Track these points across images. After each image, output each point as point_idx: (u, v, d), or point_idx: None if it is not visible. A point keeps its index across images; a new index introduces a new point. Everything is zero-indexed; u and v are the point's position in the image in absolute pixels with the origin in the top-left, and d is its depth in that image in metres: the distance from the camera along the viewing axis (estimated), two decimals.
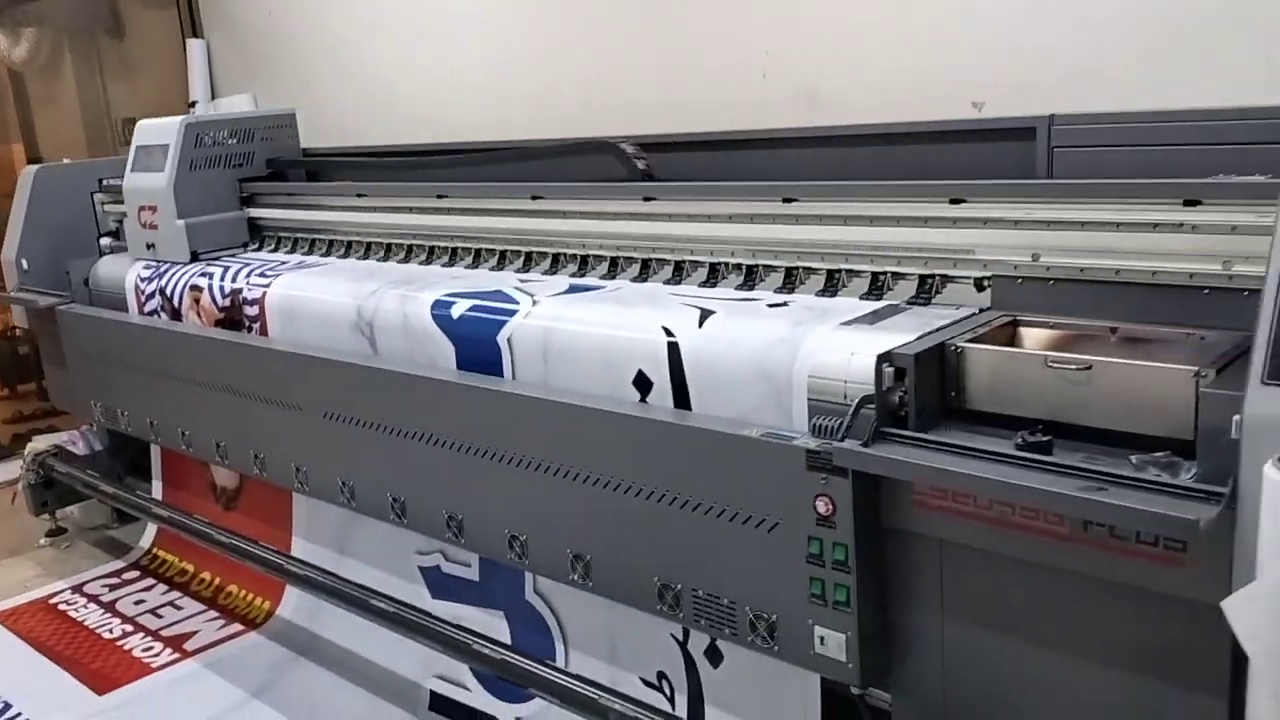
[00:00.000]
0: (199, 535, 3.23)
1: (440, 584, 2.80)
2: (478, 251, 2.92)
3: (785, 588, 1.83)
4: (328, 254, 3.38)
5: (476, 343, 2.40)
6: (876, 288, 2.11)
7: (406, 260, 3.11)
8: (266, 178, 3.71)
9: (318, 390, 2.72)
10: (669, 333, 2.06)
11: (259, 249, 3.63)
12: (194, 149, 3.55)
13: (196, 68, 5.33)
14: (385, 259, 3.17)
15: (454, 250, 2.98)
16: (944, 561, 1.73)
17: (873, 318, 1.95)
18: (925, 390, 1.72)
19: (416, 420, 2.45)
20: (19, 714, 2.86)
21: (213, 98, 5.36)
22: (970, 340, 1.76)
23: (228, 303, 3.10)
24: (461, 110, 4.26)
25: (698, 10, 3.47)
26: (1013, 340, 1.86)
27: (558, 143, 3.01)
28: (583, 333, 2.21)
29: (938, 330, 1.82)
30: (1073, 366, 1.62)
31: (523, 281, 2.61)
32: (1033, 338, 1.85)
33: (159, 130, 3.64)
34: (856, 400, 1.70)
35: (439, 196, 3.01)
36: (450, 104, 4.34)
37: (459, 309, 2.46)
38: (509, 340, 2.33)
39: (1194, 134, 1.86)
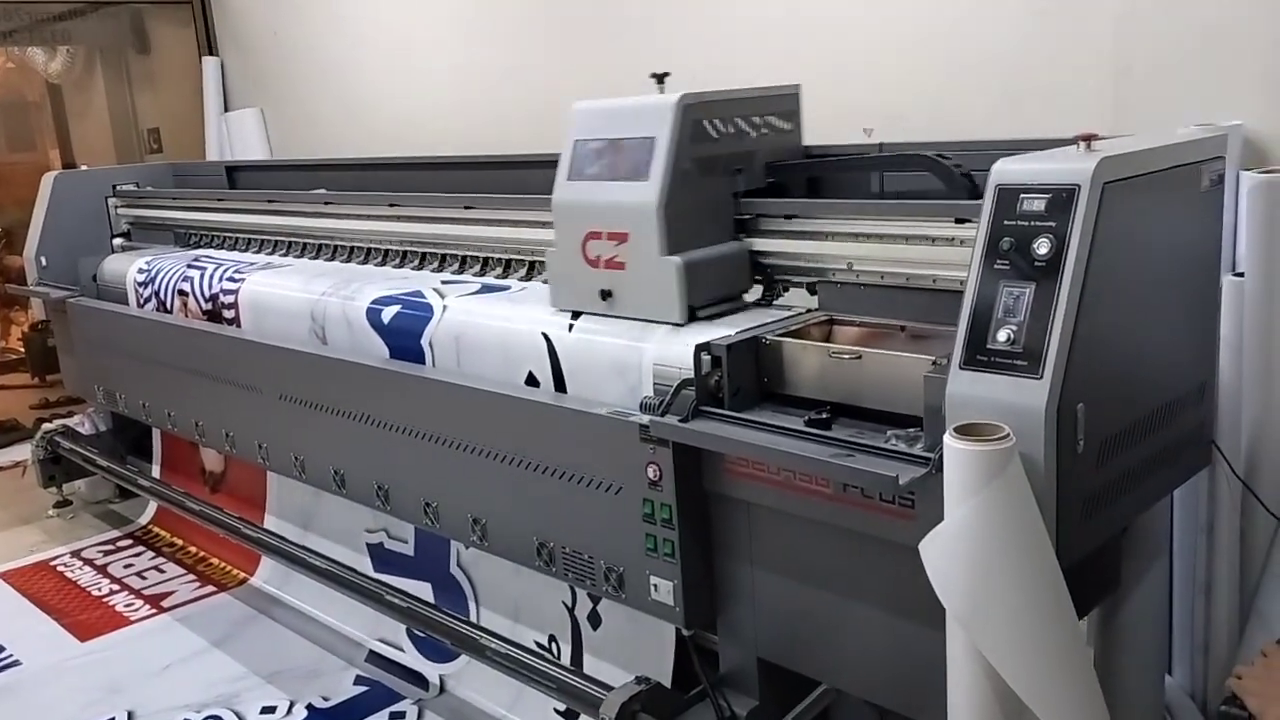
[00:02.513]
0: (176, 504, 3.61)
1: (383, 558, 3.16)
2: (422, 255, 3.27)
3: (628, 543, 2.16)
4: None
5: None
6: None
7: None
8: (765, 191, 2.41)
9: (274, 375, 3.08)
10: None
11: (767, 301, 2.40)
12: (691, 144, 2.26)
13: (211, 83, 5.76)
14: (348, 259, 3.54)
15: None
16: (750, 520, 2.04)
17: (715, 315, 2.27)
18: (740, 376, 2.03)
19: (352, 402, 2.80)
20: (10, 655, 3.25)
21: (225, 111, 5.79)
22: (781, 335, 2.07)
23: (209, 306, 3.48)
24: (442, 124, 4.64)
25: (626, 39, 3.80)
26: (828, 336, 2.17)
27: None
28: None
29: (760, 326, 2.14)
30: (847, 356, 1.93)
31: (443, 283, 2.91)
32: (841, 334, 2.16)
33: (630, 114, 2.32)
34: (676, 383, 2.03)
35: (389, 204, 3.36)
36: (432, 118, 4.72)
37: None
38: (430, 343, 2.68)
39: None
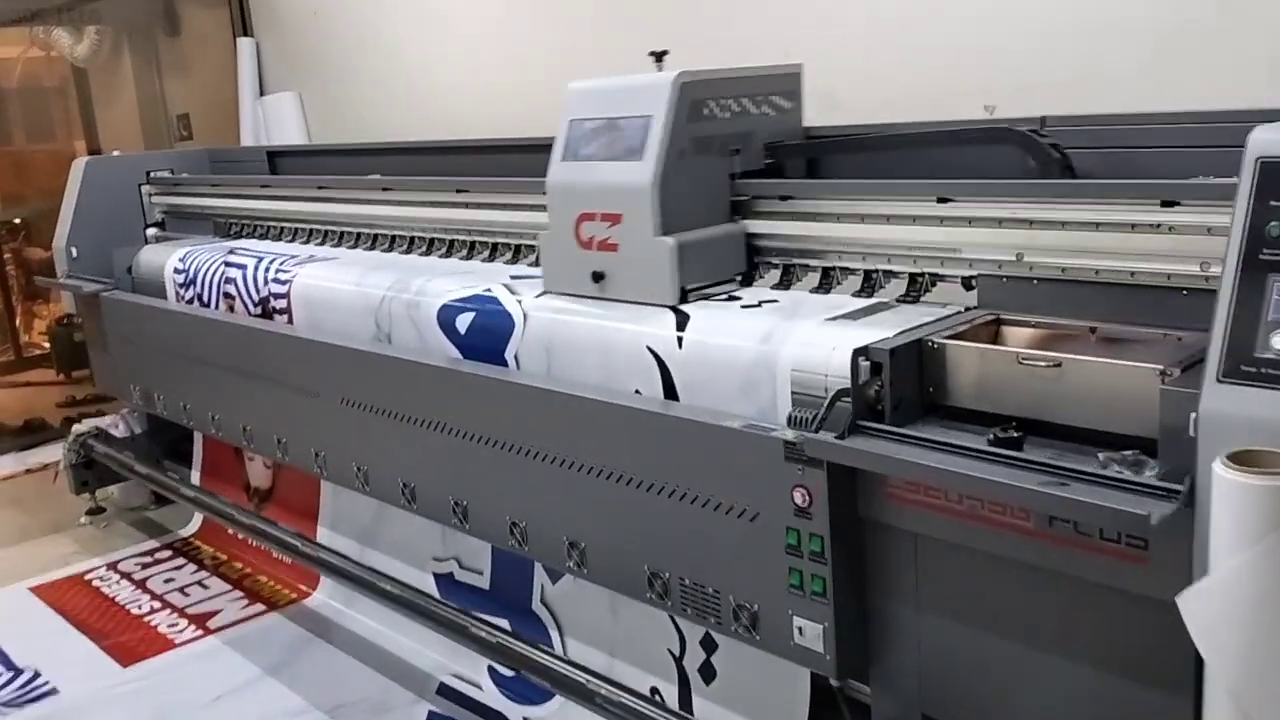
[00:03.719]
0: (225, 517, 3.34)
1: (452, 591, 2.86)
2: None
3: (766, 578, 1.87)
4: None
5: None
6: (869, 285, 2.13)
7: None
8: (764, 172, 2.36)
9: (335, 377, 2.80)
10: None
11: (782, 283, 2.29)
12: (687, 124, 2.21)
13: (246, 66, 5.48)
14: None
15: None
16: (919, 554, 1.75)
17: (858, 314, 1.98)
18: (902, 385, 1.74)
19: (426, 408, 2.52)
20: (46, 682, 2.98)
21: (260, 95, 5.51)
22: (948, 337, 1.78)
23: (259, 310, 3.21)
24: (490, 108, 4.35)
25: (716, 12, 3.51)
26: (995, 338, 1.87)
27: None
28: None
29: (919, 327, 1.84)
30: (1043, 364, 1.63)
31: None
32: (1014, 336, 1.86)
33: (626, 93, 2.29)
34: (832, 394, 1.73)
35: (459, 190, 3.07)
36: (479, 101, 4.43)
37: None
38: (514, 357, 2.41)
39: (1177, 136, 1.86)
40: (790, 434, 1.78)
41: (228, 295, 3.36)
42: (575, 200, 2.32)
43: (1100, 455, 1.54)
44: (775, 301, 2.14)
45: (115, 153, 4.69)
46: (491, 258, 2.97)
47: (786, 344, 1.92)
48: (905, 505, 1.72)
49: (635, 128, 2.23)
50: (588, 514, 2.18)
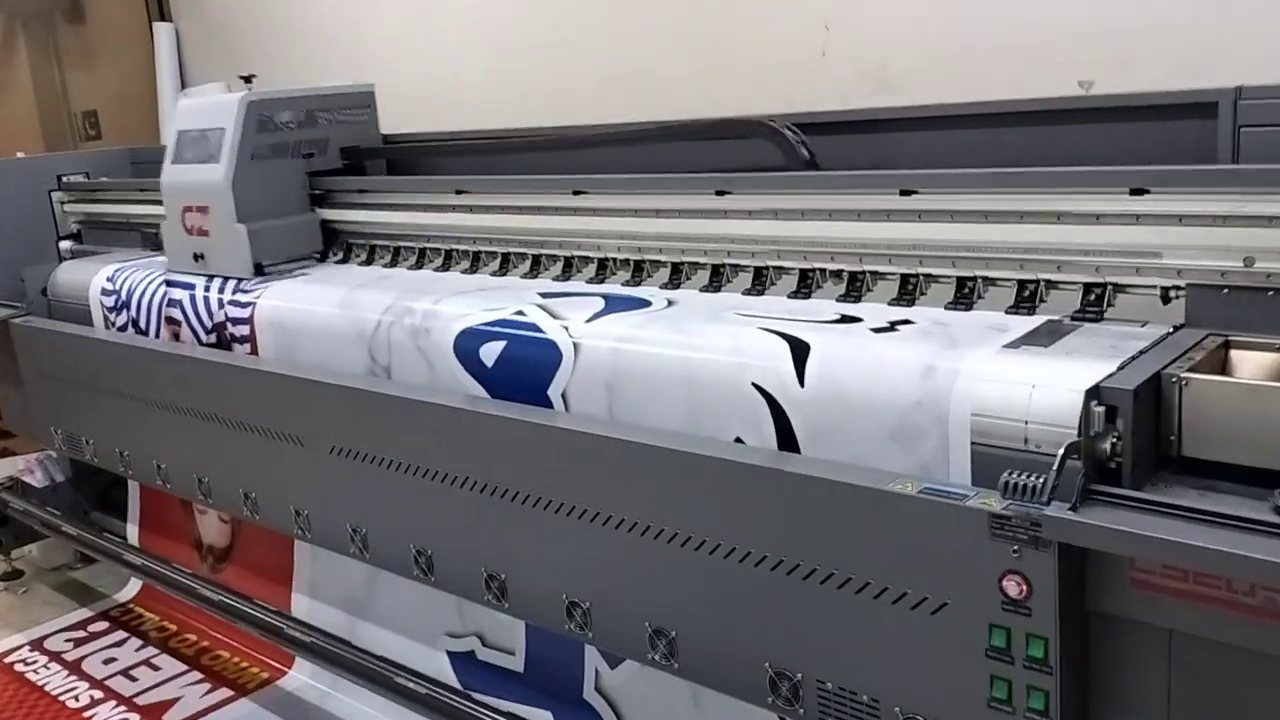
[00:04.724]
0: (179, 588, 2.79)
1: (473, 673, 2.38)
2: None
3: (955, 687, 1.44)
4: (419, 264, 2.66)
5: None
6: (1026, 299, 1.72)
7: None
8: (343, 171, 2.95)
9: (324, 421, 2.30)
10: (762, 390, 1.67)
11: (343, 259, 2.84)
12: (257, 134, 2.78)
13: (164, 54, 4.88)
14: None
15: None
16: (1174, 657, 1.34)
17: (1041, 338, 1.56)
18: (1141, 435, 1.34)
19: (447, 458, 2.04)
20: None
21: (182, 87, 4.91)
22: (1190, 370, 1.37)
23: (213, 338, 2.68)
24: (465, 97, 3.86)
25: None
26: (1224, 366, 1.48)
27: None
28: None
29: (1140, 356, 1.44)
30: None
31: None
32: (1253, 363, 1.47)
33: (210, 110, 2.88)
34: (1062, 449, 1.31)
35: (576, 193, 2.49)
36: (450, 90, 3.94)
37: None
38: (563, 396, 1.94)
39: None
40: (998, 503, 1.35)
41: (171, 321, 2.83)
42: (180, 196, 2.89)
43: None
44: (911, 323, 1.72)
45: (20, 155, 4.07)
46: (504, 270, 2.50)
47: (960, 380, 1.49)
48: (1156, 593, 1.31)
49: (215, 137, 2.80)
50: (679, 594, 1.73)
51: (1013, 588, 1.35)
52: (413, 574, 2.20)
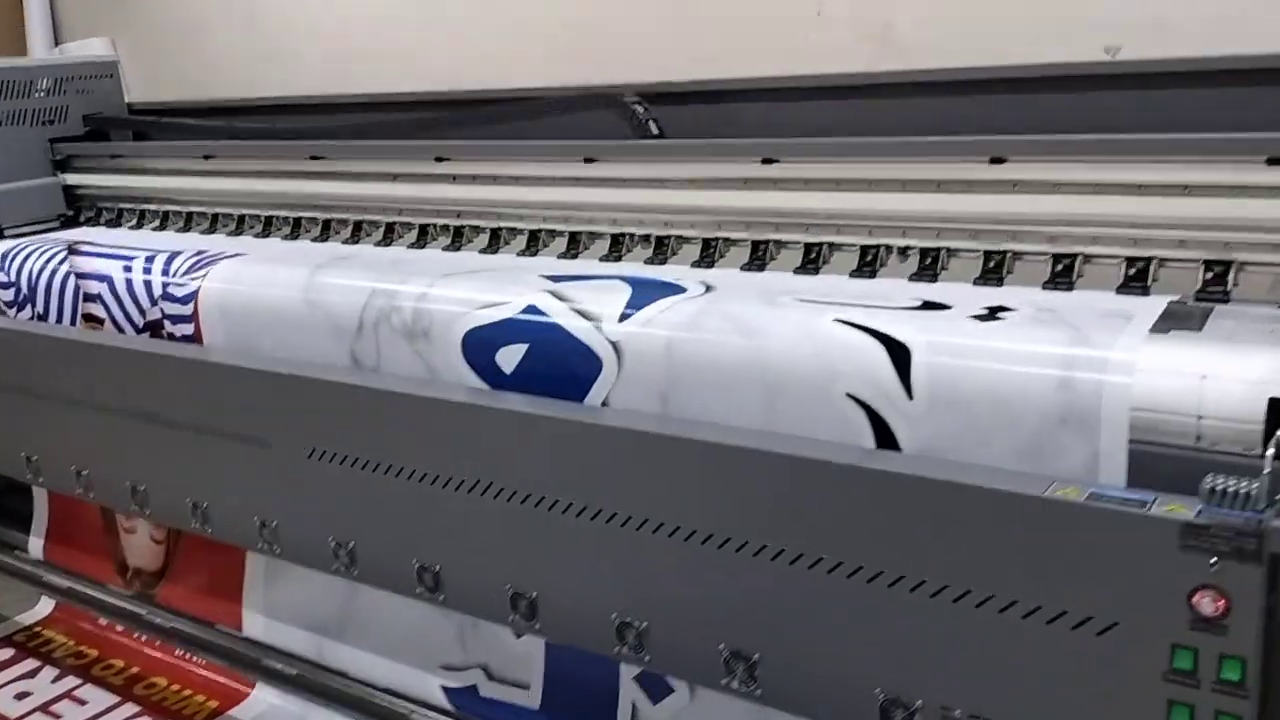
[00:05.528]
0: (113, 613, 2.45)
1: (477, 709, 2.11)
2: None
3: (1116, 714, 1.29)
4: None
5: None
6: (1135, 278, 1.58)
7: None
8: (86, 137, 3.16)
9: (300, 420, 2.01)
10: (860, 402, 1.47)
11: (95, 220, 3.08)
12: None
13: (34, 6, 4.35)
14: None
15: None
16: None
17: (1186, 322, 1.42)
18: None
19: (464, 461, 1.79)
20: None
21: (56, 43, 4.40)
22: None
23: (142, 322, 2.33)
24: (394, 55, 3.52)
25: None
26: None
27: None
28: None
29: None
30: None
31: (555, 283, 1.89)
32: None
33: None
34: (1273, 448, 1.16)
35: (437, 160, 2.32)
36: (378, 47, 3.59)
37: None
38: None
39: None
40: (1186, 511, 1.20)
41: (91, 317, 2.46)
42: None
43: None
44: (1010, 309, 1.55)
45: None
46: (494, 247, 2.24)
47: (1110, 372, 1.33)
48: None
49: None
50: (768, 613, 1.53)
51: (1206, 604, 1.20)
52: (415, 592, 1.93)
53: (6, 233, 2.86)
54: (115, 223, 3.03)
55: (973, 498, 1.33)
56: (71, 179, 3.08)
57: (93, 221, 3.09)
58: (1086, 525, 1.26)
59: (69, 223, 3.08)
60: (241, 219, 2.69)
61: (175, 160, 2.88)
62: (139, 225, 2.97)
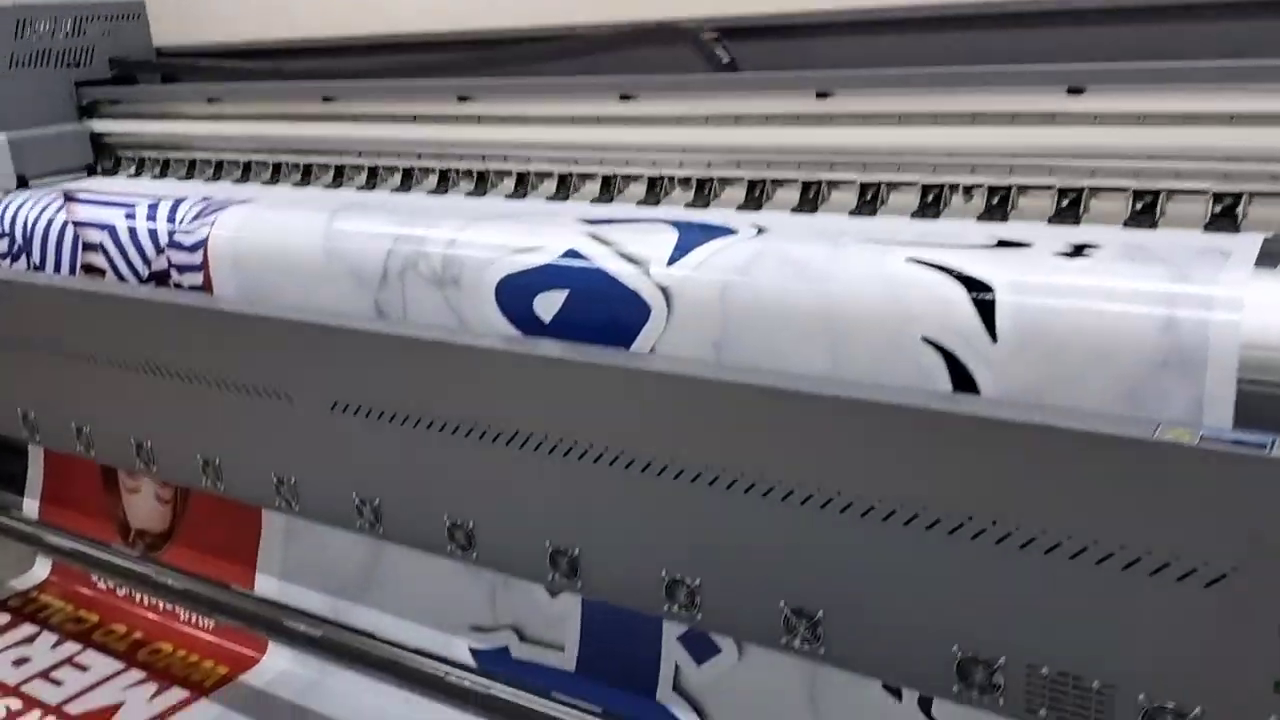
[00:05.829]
0: (117, 573, 2.34)
1: (507, 673, 2.00)
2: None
3: (1225, 669, 1.21)
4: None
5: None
6: (1221, 215, 1.50)
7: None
8: (113, 81, 2.92)
9: (324, 373, 1.91)
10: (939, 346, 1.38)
11: (115, 171, 2.84)
12: (15, 41, 2.72)
13: None
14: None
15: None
16: None
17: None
18: None
19: (502, 412, 1.69)
20: None
21: None
22: None
23: (147, 270, 2.22)
24: None
25: None
26: None
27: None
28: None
29: None
30: None
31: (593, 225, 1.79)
32: None
33: None
34: None
35: (460, 99, 2.21)
36: None
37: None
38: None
39: None
40: None
41: (92, 268, 2.34)
42: None
43: None
44: (1095, 246, 1.46)
45: None
46: (522, 192, 2.14)
47: (1217, 310, 1.25)
48: None
49: None
50: (835, 568, 1.45)
51: None
52: (446, 550, 1.84)
53: (31, 183, 2.66)
54: (138, 173, 2.82)
55: (1071, 441, 1.24)
56: (99, 125, 2.85)
57: (112, 171, 2.88)
58: (1198, 469, 1.18)
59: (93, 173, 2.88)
60: (248, 165, 2.57)
61: (202, 106, 2.69)
62: (142, 173, 2.81)
